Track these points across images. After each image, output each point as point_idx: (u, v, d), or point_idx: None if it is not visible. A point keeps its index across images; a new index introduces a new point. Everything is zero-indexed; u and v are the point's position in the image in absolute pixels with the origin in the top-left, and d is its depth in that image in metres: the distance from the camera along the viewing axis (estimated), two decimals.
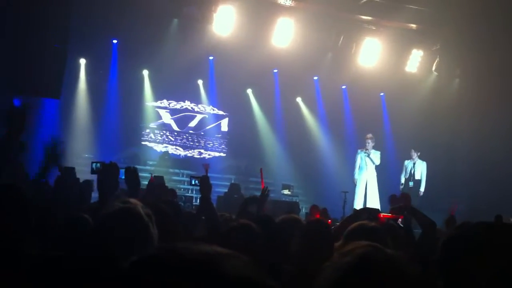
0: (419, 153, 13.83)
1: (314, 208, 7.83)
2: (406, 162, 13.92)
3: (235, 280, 0.86)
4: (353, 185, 13.66)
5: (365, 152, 13.47)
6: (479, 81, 14.04)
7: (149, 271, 0.86)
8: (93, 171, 2.62)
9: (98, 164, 2.71)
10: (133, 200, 2.46)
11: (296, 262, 3.10)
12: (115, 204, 2.34)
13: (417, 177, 13.65)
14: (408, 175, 13.75)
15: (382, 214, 3.89)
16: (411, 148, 14.00)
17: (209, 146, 17.15)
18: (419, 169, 13.68)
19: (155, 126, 16.52)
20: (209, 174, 4.57)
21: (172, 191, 8.63)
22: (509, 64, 12.86)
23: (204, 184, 4.10)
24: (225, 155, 17.11)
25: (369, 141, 13.44)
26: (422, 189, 13.58)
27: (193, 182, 5.50)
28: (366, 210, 4.36)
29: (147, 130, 16.41)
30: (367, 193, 13.32)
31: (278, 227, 3.73)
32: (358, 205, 12.78)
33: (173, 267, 0.86)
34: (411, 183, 13.60)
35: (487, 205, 13.09)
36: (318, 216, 5.11)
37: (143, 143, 16.18)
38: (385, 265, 1.28)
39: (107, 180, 2.61)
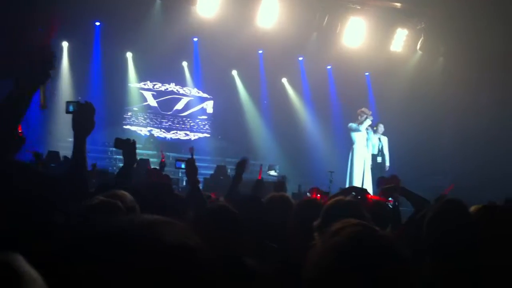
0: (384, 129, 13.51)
1: (313, 190, 7.85)
2: (372, 136, 13.28)
3: (170, 246, 0.86)
4: (341, 164, 13.36)
5: (374, 131, 12.96)
6: (463, 59, 14.10)
7: (68, 250, 0.86)
8: (68, 112, 2.53)
9: (74, 104, 2.63)
10: (118, 192, 2.46)
11: (288, 241, 3.11)
12: (96, 197, 2.34)
13: (384, 151, 13.33)
14: (376, 150, 13.29)
15: (370, 195, 3.90)
16: (379, 123, 13.52)
17: (194, 128, 17.14)
18: (386, 144, 13.39)
19: (139, 109, 16.43)
20: (195, 156, 4.56)
21: (166, 176, 8.61)
22: (493, 42, 12.91)
23: (190, 167, 4.07)
24: (209, 135, 17.14)
25: (371, 117, 12.93)
26: (388, 163, 13.26)
27: (178, 166, 5.44)
28: (353, 189, 4.36)
29: (129, 113, 16.31)
30: (365, 174, 12.82)
31: (266, 207, 3.73)
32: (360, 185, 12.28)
33: (98, 238, 0.87)
34: (379, 158, 13.23)
35: (471, 183, 13.26)
36: (314, 195, 5.13)
37: (124, 127, 16.08)
38: (376, 245, 1.28)
39: (83, 120, 2.55)
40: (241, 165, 4.81)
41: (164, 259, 0.85)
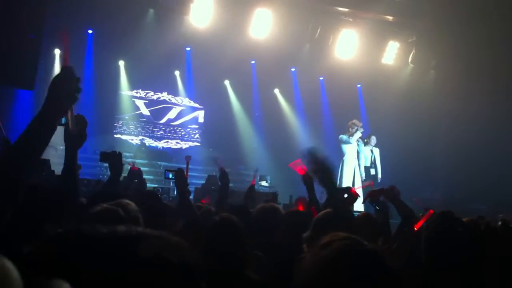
0: (376, 140, 13.52)
1: (300, 200, 7.79)
2: (363, 148, 13.30)
3: (145, 259, 0.87)
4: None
5: (366, 143, 12.94)
6: (453, 72, 14.22)
7: (49, 252, 0.87)
8: (60, 124, 2.50)
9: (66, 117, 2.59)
10: (123, 202, 2.48)
11: (276, 253, 3.12)
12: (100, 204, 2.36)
13: (376, 163, 13.34)
14: (369, 162, 13.31)
15: (354, 189, 3.90)
16: (371, 135, 13.55)
17: (185, 137, 17.13)
18: (378, 155, 13.40)
19: (130, 117, 16.40)
20: (189, 166, 4.56)
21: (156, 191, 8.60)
22: (483, 55, 13.03)
23: (180, 178, 4.05)
24: (199, 144, 17.14)
25: (361, 129, 12.90)
26: (380, 175, 13.28)
27: (167, 176, 5.43)
28: (341, 191, 4.34)
29: (120, 122, 16.28)
30: (355, 186, 12.78)
31: (255, 216, 3.74)
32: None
33: (76, 247, 0.87)
34: (372, 170, 13.24)
35: (463, 194, 13.32)
36: (301, 207, 5.11)
37: (115, 136, 16.04)
38: (364, 259, 1.29)
39: (74, 132, 2.54)
40: (224, 176, 4.85)
41: (142, 273, 0.85)
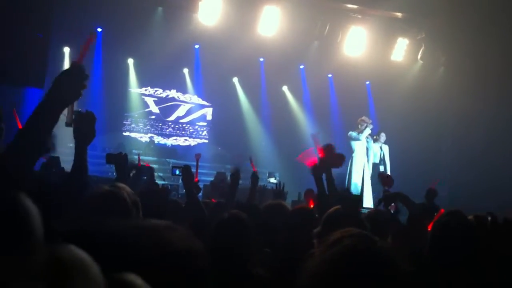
0: (385, 138, 13.51)
1: (308, 192, 7.69)
2: (372, 145, 13.22)
3: (178, 250, 0.87)
4: (341, 172, 13.26)
5: (375, 140, 12.92)
6: (463, 69, 14.12)
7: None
8: (67, 125, 2.47)
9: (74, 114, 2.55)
10: (120, 185, 2.51)
11: (282, 250, 3.12)
12: (100, 186, 2.40)
13: (385, 160, 13.31)
14: (377, 159, 13.24)
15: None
16: (380, 132, 13.51)
17: (193, 134, 17.19)
18: (387, 153, 13.36)
19: (140, 115, 16.47)
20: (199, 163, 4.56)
21: (165, 189, 8.60)
22: (493, 52, 12.95)
23: (187, 175, 4.06)
24: (207, 141, 17.18)
25: (371, 125, 12.81)
26: (389, 173, 13.18)
27: (174, 172, 5.43)
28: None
29: (129, 120, 16.35)
30: (364, 183, 12.66)
31: (263, 214, 3.75)
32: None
33: (85, 246, 0.87)
34: (381, 167, 13.18)
35: (469, 194, 13.22)
36: (311, 201, 5.10)
37: (124, 133, 16.10)
38: (374, 256, 1.28)
39: (84, 129, 2.53)
40: (235, 175, 4.85)
41: (175, 263, 0.86)
